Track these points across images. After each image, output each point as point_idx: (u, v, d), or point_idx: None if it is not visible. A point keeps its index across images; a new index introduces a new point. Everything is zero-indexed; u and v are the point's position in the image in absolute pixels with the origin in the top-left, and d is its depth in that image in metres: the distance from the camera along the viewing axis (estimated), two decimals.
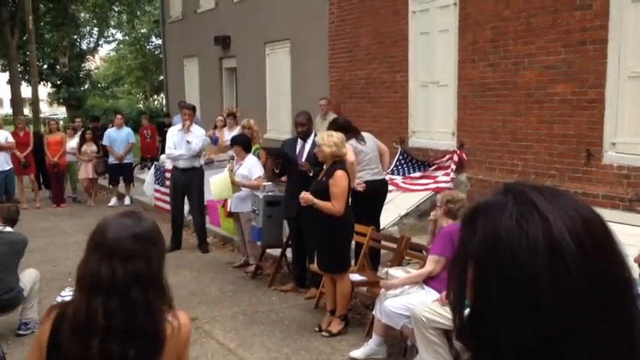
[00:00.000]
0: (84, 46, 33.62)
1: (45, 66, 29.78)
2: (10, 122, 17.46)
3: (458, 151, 8.16)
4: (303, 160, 6.30)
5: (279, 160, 6.56)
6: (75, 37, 31.07)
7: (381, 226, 6.74)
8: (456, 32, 8.22)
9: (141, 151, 14.97)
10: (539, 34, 7.07)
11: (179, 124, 8.59)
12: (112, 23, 35.33)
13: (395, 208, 7.75)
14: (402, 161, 8.79)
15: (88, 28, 33.86)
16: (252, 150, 7.45)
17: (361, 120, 9.18)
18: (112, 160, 12.17)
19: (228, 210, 7.53)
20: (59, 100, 30.87)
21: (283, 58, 12.51)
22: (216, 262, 7.86)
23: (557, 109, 6.95)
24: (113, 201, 12.22)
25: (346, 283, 5.38)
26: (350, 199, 5.85)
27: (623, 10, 6.26)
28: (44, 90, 32.06)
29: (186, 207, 8.65)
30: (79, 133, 12.96)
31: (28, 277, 5.45)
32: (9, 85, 23.06)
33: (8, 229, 5.44)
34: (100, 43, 35.77)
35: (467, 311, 0.90)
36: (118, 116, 12.89)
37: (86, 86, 32.42)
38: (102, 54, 41.25)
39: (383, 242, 6.05)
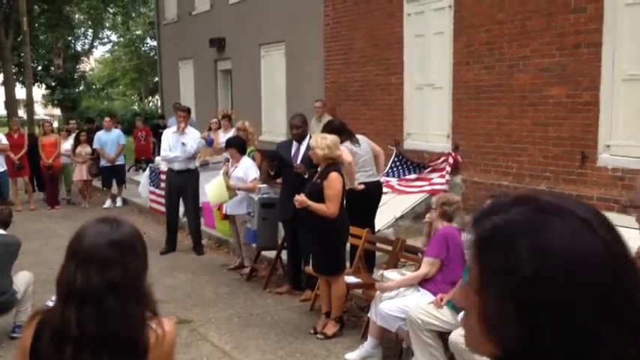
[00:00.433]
0: (78, 48, 33.57)
1: (39, 67, 29.69)
2: (4, 124, 17.41)
3: (453, 154, 8.17)
4: (299, 162, 6.30)
5: (275, 162, 6.55)
6: (69, 38, 30.99)
7: (377, 229, 6.74)
8: (451, 35, 8.24)
9: (135, 153, 14.93)
10: (533, 37, 7.10)
11: (174, 126, 8.57)
12: (107, 25, 35.28)
13: (390, 210, 7.75)
14: (397, 163, 8.80)
15: (82, 29, 33.80)
16: (247, 152, 7.44)
17: (356, 122, 9.19)
18: (103, 162, 12.14)
19: (224, 213, 7.52)
20: (54, 101, 30.80)
21: (278, 60, 12.52)
22: (211, 265, 7.85)
23: (551, 112, 6.97)
24: (108, 203, 12.20)
25: (341, 286, 5.37)
26: (345, 201, 5.86)
27: (617, 14, 6.29)
28: (39, 91, 31.96)
29: (181, 209, 8.64)
30: (74, 134, 12.94)
31: (21, 279, 5.43)
32: (3, 87, 23.00)
33: (1, 231, 5.41)
34: (94, 44, 35.76)
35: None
36: (107, 119, 12.84)
37: (81, 88, 32.36)
38: (97, 55, 41.17)
39: (378, 244, 6.06)
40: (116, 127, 13.05)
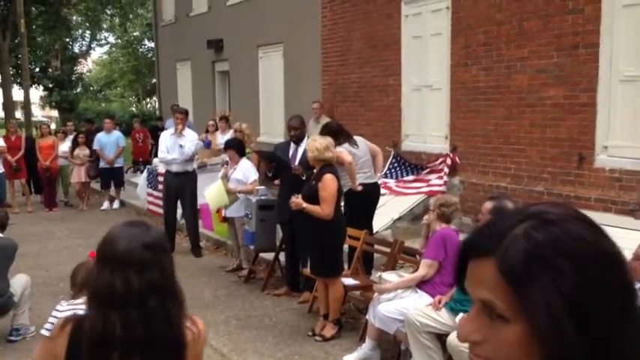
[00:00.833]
0: (76, 50, 33.55)
1: (37, 69, 29.67)
2: (2, 126, 17.39)
3: (451, 155, 8.17)
4: (296, 163, 6.30)
5: (272, 163, 6.55)
6: (67, 40, 30.97)
7: (374, 230, 6.73)
8: (449, 36, 8.24)
9: (133, 155, 14.92)
10: (531, 38, 7.10)
11: (172, 128, 8.57)
12: (105, 26, 35.26)
13: (388, 211, 7.75)
14: (395, 165, 8.80)
15: (80, 31, 33.78)
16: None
17: (354, 123, 9.19)
18: (102, 164, 12.13)
19: (223, 216, 7.51)
20: (51, 103, 30.77)
21: (276, 61, 12.51)
22: (209, 267, 7.83)
23: (549, 113, 6.97)
24: (105, 205, 12.18)
25: (338, 288, 5.37)
26: (343, 203, 5.85)
27: (615, 15, 6.29)
28: (36, 93, 31.94)
29: (179, 211, 8.63)
30: (71, 136, 12.92)
31: (18, 282, 5.41)
32: (0, 89, 22.93)
33: None
34: (92, 46, 35.78)
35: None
36: (107, 120, 12.85)
37: (78, 89, 32.34)
38: (94, 57, 41.21)
39: (376, 246, 6.05)
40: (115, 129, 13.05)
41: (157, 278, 1.76)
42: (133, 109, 35.73)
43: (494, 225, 0.85)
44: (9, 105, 22.72)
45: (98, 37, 35.77)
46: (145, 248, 1.78)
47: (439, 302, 4.39)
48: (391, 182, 8.54)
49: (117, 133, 12.50)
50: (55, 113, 35.42)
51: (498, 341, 0.82)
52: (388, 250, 5.64)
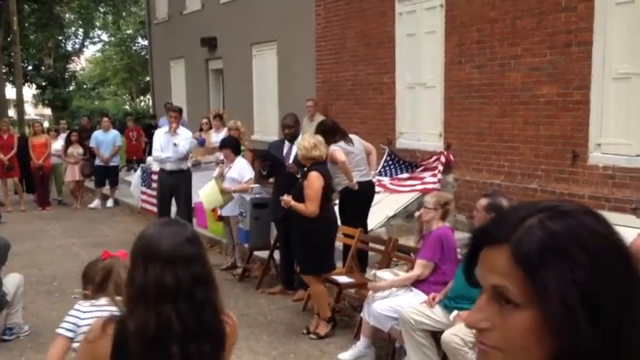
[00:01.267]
0: (69, 48, 33.32)
1: (30, 67, 29.49)
2: None
3: (445, 152, 8.19)
4: (291, 161, 6.29)
5: (267, 162, 6.54)
6: (60, 38, 30.77)
7: (369, 228, 6.74)
8: (443, 34, 8.25)
9: (127, 153, 14.87)
10: (524, 36, 7.12)
11: (166, 127, 8.54)
12: (98, 24, 35.07)
13: (382, 209, 7.75)
14: (390, 162, 8.80)
15: (73, 29, 33.58)
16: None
17: (349, 121, 9.18)
18: (98, 162, 12.11)
19: (219, 215, 7.50)
20: (44, 101, 30.59)
21: (270, 59, 12.49)
22: None
23: (542, 111, 6.99)
24: (95, 203, 12.15)
25: (316, 285, 5.38)
26: (338, 201, 5.86)
27: (608, 13, 6.31)
28: (29, 91, 31.76)
29: (174, 209, 8.60)
30: (64, 134, 12.87)
31: (11, 281, 5.38)
32: None
33: None
34: (85, 44, 35.52)
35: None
36: (105, 119, 12.84)
37: (71, 87, 32.16)
38: (87, 55, 40.93)
39: (371, 244, 6.06)
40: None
41: (200, 270, 1.86)
42: (127, 107, 35.57)
43: (507, 215, 0.87)
44: (1, 103, 22.61)
45: (91, 35, 35.58)
46: (188, 243, 1.87)
47: (433, 300, 4.40)
48: (386, 180, 8.55)
49: (114, 132, 12.51)
50: (47, 111, 35.20)
51: (508, 328, 0.83)
52: (383, 248, 5.65)
